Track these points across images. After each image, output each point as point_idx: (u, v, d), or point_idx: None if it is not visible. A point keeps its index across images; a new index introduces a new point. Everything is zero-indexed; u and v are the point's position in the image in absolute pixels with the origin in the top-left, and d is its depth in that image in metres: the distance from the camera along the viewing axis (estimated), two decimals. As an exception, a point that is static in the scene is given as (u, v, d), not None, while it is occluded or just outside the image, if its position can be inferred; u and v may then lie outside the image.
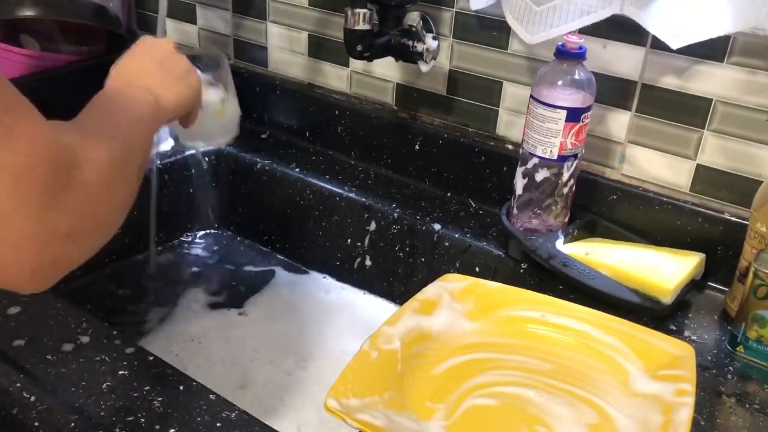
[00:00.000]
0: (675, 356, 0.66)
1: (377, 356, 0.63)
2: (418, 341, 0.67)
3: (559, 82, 0.79)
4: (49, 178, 0.43)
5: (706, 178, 0.84)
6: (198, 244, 1.09)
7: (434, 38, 0.95)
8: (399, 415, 0.59)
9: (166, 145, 1.08)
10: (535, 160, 0.82)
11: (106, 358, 0.66)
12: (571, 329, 0.71)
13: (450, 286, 0.74)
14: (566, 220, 0.86)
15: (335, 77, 1.11)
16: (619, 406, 0.63)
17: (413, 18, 0.96)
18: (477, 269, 0.89)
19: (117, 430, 0.59)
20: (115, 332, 0.70)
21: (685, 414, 0.58)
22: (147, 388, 0.63)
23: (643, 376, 0.65)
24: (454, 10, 0.95)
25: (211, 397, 0.63)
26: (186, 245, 1.08)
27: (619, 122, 0.87)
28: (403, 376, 0.64)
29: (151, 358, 0.67)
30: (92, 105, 0.57)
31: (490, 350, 0.69)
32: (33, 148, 0.42)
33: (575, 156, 0.81)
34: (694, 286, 0.81)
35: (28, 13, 1.11)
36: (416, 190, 1.01)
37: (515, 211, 0.86)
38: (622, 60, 0.84)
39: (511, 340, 0.71)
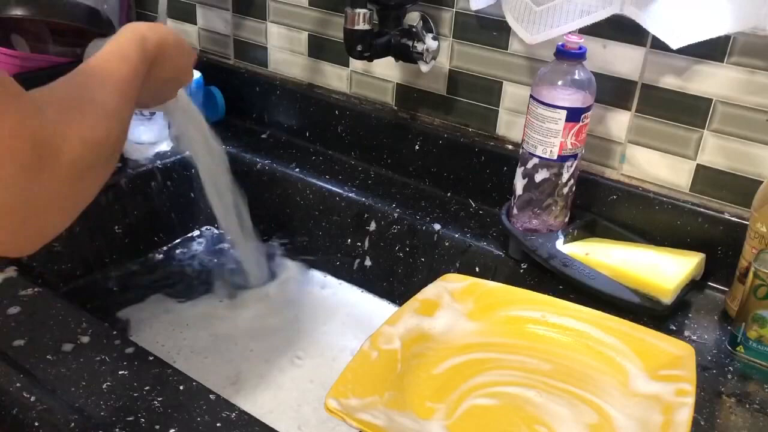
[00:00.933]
0: (675, 356, 0.66)
1: (377, 356, 0.63)
2: (418, 341, 0.67)
3: (559, 82, 0.79)
4: (33, 158, 0.45)
5: (706, 178, 0.84)
6: (199, 243, 1.09)
7: (434, 38, 0.95)
8: (399, 415, 0.59)
9: (166, 145, 1.08)
10: (535, 160, 0.82)
11: (106, 358, 0.66)
12: (571, 329, 0.71)
13: (450, 286, 0.74)
14: (566, 220, 0.86)
15: (335, 77, 1.11)
16: (618, 406, 0.63)
17: (413, 18, 0.96)
18: (477, 269, 0.89)
19: (117, 430, 0.59)
20: (115, 332, 0.70)
21: (685, 414, 0.58)
22: (147, 388, 0.63)
23: (642, 376, 0.65)
24: (454, 10, 0.95)
25: (211, 397, 0.63)
26: (186, 245, 1.08)
27: (619, 122, 0.87)
28: (403, 376, 0.64)
29: (151, 358, 0.67)
30: (81, 71, 0.57)
31: (491, 350, 0.69)
32: (17, 130, 0.44)
33: (575, 156, 0.81)
34: (694, 286, 0.81)
35: (18, 12, 1.11)
36: (416, 190, 1.01)
37: (515, 211, 0.86)
38: (622, 60, 0.84)
39: (511, 340, 0.71)
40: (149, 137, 1.08)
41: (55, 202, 0.48)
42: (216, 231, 1.12)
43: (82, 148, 0.49)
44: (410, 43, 0.93)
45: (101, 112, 0.54)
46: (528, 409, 0.62)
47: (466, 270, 0.89)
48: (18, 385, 0.62)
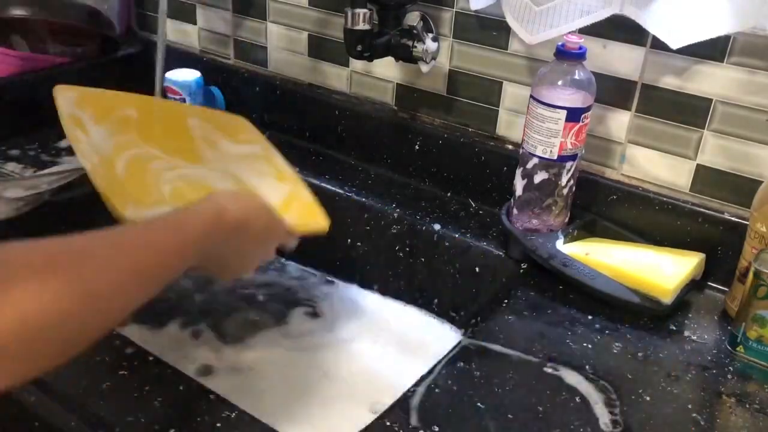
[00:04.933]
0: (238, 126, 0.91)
1: (104, 171, 0.70)
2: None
3: (559, 82, 0.79)
4: None
5: (706, 178, 0.84)
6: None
7: (434, 38, 0.95)
8: None
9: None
10: (535, 160, 0.82)
11: (106, 358, 0.66)
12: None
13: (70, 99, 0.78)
14: (566, 220, 0.86)
15: (335, 77, 1.11)
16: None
17: (413, 18, 0.96)
18: (477, 269, 0.89)
19: (117, 430, 0.59)
20: (115, 332, 0.70)
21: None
22: (147, 388, 0.63)
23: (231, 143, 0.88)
24: (454, 10, 0.95)
25: (211, 397, 0.63)
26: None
27: (619, 122, 0.87)
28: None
29: (151, 358, 0.67)
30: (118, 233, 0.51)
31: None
32: None
33: (575, 156, 0.81)
34: (694, 286, 0.81)
35: (18, 12, 1.11)
36: (416, 190, 1.01)
37: (515, 211, 0.86)
38: (622, 60, 0.84)
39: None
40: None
41: None
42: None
43: (41, 312, 0.41)
44: (410, 43, 0.93)
45: (81, 290, 0.45)
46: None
47: (466, 270, 0.89)
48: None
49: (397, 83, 1.04)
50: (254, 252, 0.68)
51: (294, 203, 0.84)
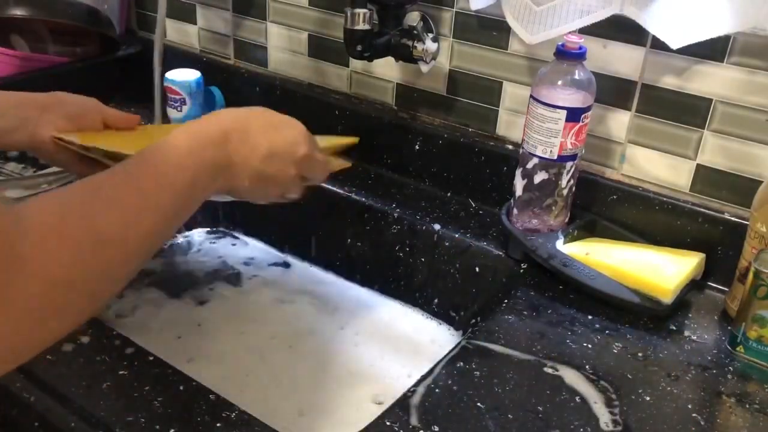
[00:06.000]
0: None
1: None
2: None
3: (559, 82, 0.79)
4: None
5: (706, 178, 0.84)
6: (200, 242, 1.09)
7: (434, 38, 0.95)
8: None
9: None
10: (535, 160, 0.82)
11: (106, 358, 0.66)
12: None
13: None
14: (566, 220, 0.86)
15: (335, 77, 1.11)
16: None
17: (413, 18, 0.96)
18: (477, 269, 0.89)
19: (117, 430, 0.59)
20: (115, 332, 0.70)
21: None
22: (147, 388, 0.63)
23: None
24: (454, 10, 0.95)
25: (211, 397, 0.63)
26: (188, 244, 1.08)
27: (619, 122, 0.87)
28: None
29: (151, 358, 0.67)
30: (119, 172, 0.51)
31: None
32: None
33: (575, 156, 0.81)
34: (694, 286, 0.81)
35: (18, 12, 1.11)
36: (416, 190, 1.01)
37: (515, 211, 0.86)
38: (622, 60, 0.84)
39: None
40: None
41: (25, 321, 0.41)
42: (218, 230, 1.12)
43: (63, 269, 0.42)
44: (410, 43, 0.93)
45: (95, 233, 0.45)
46: None
47: (466, 270, 0.89)
48: (18, 385, 0.62)
49: (397, 83, 1.04)
50: (277, 167, 0.64)
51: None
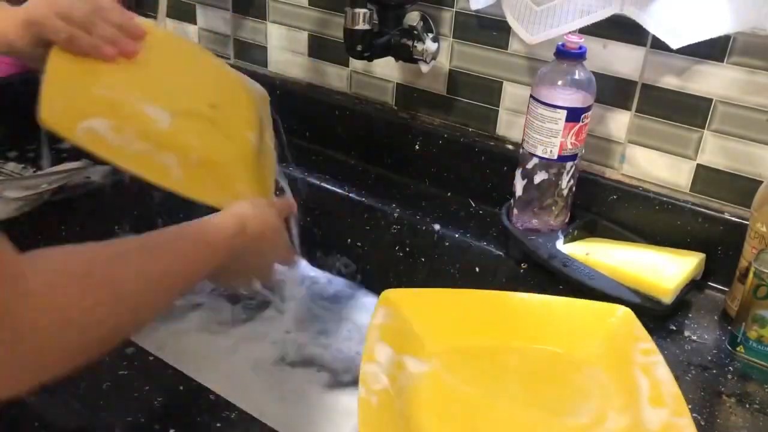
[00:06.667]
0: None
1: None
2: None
3: (559, 82, 0.79)
4: None
5: (706, 178, 0.84)
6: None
7: (434, 38, 0.95)
8: None
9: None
10: (535, 160, 0.82)
11: (106, 358, 0.66)
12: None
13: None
14: (566, 220, 0.86)
15: (335, 77, 1.11)
16: None
17: (413, 18, 0.96)
18: (477, 269, 0.89)
19: (117, 430, 0.59)
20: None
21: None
22: (147, 388, 0.63)
23: None
24: (454, 10, 0.95)
25: (211, 397, 0.63)
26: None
27: (619, 122, 0.87)
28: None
29: (151, 358, 0.67)
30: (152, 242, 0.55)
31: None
32: None
33: (575, 156, 0.81)
34: (694, 286, 0.81)
35: None
36: (416, 190, 1.01)
37: (515, 211, 0.86)
38: (622, 60, 0.84)
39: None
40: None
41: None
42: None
43: (62, 330, 0.44)
44: (410, 43, 0.93)
45: (116, 295, 0.48)
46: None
47: (466, 270, 0.89)
48: (18, 385, 0.62)
49: (397, 83, 1.04)
50: (265, 263, 0.73)
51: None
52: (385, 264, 0.97)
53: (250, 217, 0.65)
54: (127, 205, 1.01)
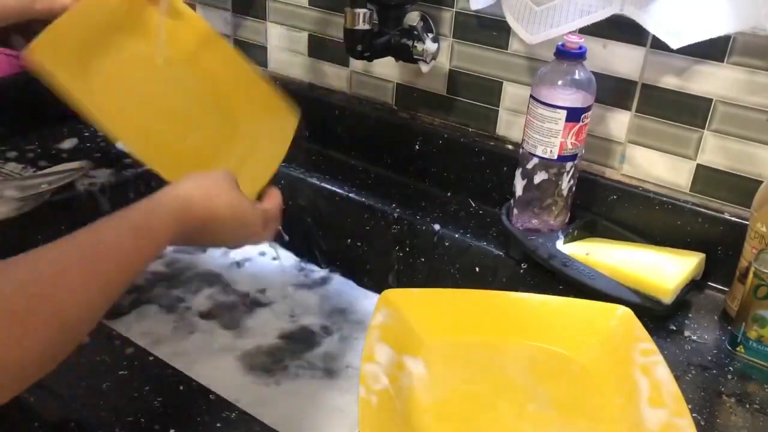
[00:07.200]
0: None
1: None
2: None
3: (559, 82, 0.79)
4: None
5: (706, 178, 0.84)
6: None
7: (434, 38, 0.95)
8: None
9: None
10: (535, 160, 0.82)
11: (106, 358, 0.66)
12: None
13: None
14: (566, 220, 0.86)
15: (335, 77, 1.11)
16: None
17: (413, 18, 0.96)
18: (477, 269, 0.89)
19: (117, 430, 0.59)
20: (114, 332, 0.70)
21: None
22: (147, 388, 0.63)
23: None
24: (454, 10, 0.95)
25: (211, 397, 0.63)
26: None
27: (619, 122, 0.87)
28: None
29: (151, 358, 0.67)
30: (87, 239, 0.52)
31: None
32: None
33: (575, 156, 0.81)
34: (694, 286, 0.81)
35: None
36: (416, 190, 1.01)
37: (515, 211, 0.86)
38: (622, 60, 0.84)
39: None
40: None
41: None
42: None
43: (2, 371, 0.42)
44: (410, 43, 0.93)
45: (60, 326, 0.46)
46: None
47: (466, 270, 0.89)
48: (18, 385, 0.62)
49: (397, 83, 1.04)
50: (230, 237, 0.69)
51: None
52: (385, 264, 0.97)
53: (196, 198, 0.62)
54: (126, 205, 1.01)
